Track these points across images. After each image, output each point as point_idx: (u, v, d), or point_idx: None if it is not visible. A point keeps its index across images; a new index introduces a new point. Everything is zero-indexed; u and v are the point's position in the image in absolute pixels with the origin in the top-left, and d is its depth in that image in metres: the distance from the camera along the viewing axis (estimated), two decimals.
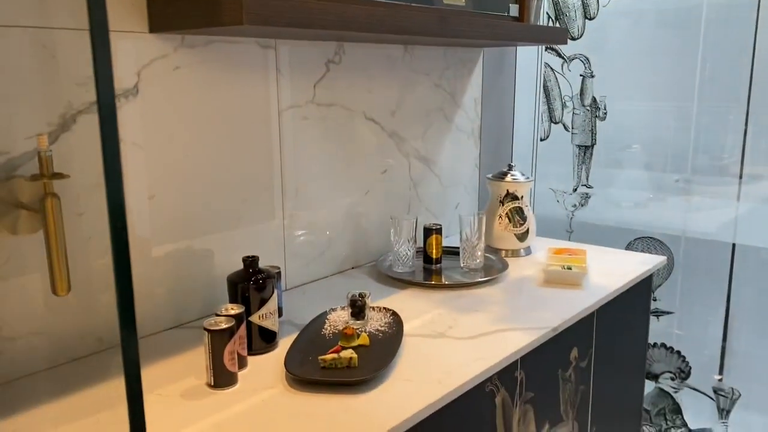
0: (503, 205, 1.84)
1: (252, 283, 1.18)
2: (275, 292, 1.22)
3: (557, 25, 2.20)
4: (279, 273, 1.33)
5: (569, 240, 2.27)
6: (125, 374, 0.58)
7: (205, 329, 1.05)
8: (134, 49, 1.19)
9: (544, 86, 2.26)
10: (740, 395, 2.02)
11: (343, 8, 1.17)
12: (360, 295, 1.30)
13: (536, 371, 1.35)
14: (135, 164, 1.22)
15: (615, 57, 2.11)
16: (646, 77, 2.06)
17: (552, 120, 2.27)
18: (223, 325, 1.05)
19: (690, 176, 2.02)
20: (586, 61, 2.16)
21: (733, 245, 1.97)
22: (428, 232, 1.71)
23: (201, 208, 1.35)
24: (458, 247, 1.72)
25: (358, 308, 1.29)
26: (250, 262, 1.20)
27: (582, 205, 2.26)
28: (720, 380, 2.04)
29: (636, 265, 1.74)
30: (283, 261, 1.55)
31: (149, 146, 1.24)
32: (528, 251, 1.87)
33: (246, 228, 1.45)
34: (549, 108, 2.26)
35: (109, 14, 1.14)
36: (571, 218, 2.29)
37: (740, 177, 1.93)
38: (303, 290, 1.56)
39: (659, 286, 2.12)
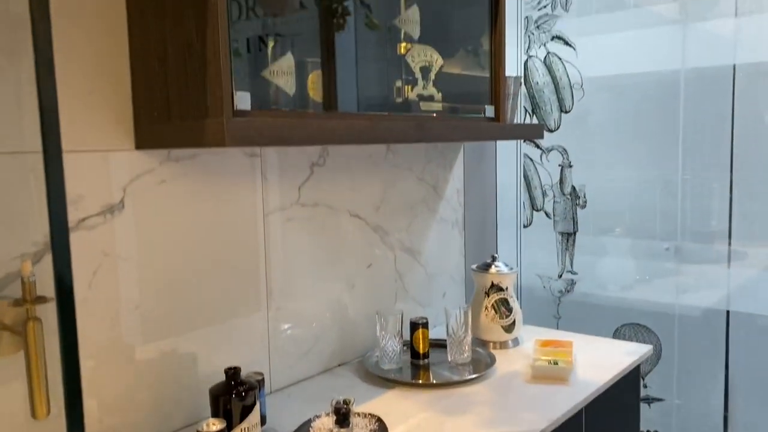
0: (489, 296, 1.85)
1: (234, 396, 1.17)
2: (258, 402, 1.21)
3: (534, 117, 2.28)
4: (262, 380, 1.33)
5: (557, 326, 2.27)
6: None
7: None
8: (121, 165, 1.23)
9: (524, 176, 2.32)
10: None
11: (323, 123, 1.22)
12: (344, 401, 1.29)
13: None
14: (119, 276, 1.24)
15: (596, 133, 2.18)
16: (630, 149, 2.12)
17: (534, 208, 2.32)
18: None
19: (680, 243, 2.05)
20: (564, 152, 2.23)
21: (728, 312, 1.98)
22: (415, 326, 1.71)
23: (186, 311, 1.36)
24: (446, 340, 1.72)
25: (342, 416, 1.27)
26: (232, 374, 1.20)
27: (568, 291, 2.28)
28: None
29: (623, 355, 1.74)
30: (268, 361, 1.55)
31: (135, 258, 1.26)
32: (516, 342, 1.87)
33: (231, 327, 1.45)
34: (530, 196, 2.32)
35: (97, 135, 1.19)
36: (558, 304, 2.30)
37: (729, 243, 1.96)
38: (288, 393, 1.55)
39: (649, 372, 2.11)
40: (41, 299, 1.01)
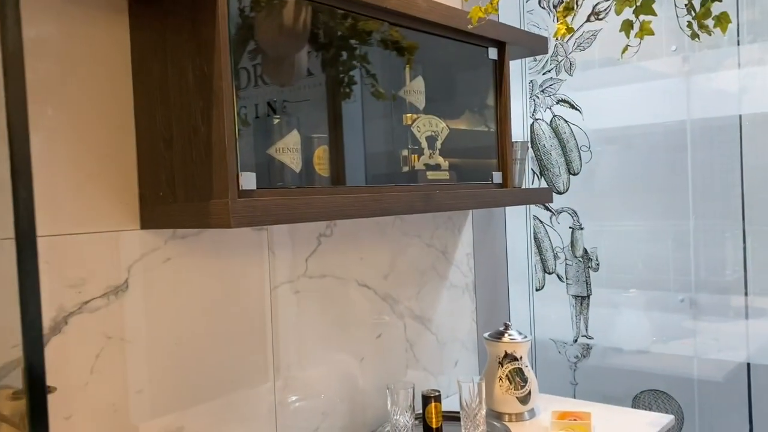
0: (502, 366, 1.80)
1: None
2: None
3: (542, 180, 2.27)
4: None
5: (574, 394, 2.20)
6: None
7: None
8: (125, 245, 1.22)
9: (534, 238, 2.30)
10: None
11: (329, 200, 1.21)
12: None
13: None
14: (123, 360, 1.21)
15: (606, 183, 2.16)
16: (640, 200, 2.10)
17: (546, 270, 2.28)
18: None
19: (694, 295, 2.00)
20: (574, 214, 2.21)
21: (748, 365, 1.92)
22: (427, 399, 1.66)
23: (190, 389, 1.32)
24: (459, 413, 1.66)
25: None
26: None
27: (584, 356, 2.21)
28: None
29: (645, 426, 1.67)
30: None
31: (140, 340, 1.24)
32: (532, 414, 1.80)
33: (237, 403, 1.41)
34: (542, 259, 2.29)
35: (101, 216, 1.18)
36: (575, 370, 2.24)
37: (746, 294, 1.91)
38: None
39: None
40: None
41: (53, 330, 1.11)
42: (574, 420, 1.64)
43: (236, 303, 1.41)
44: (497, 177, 1.72)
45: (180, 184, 1.15)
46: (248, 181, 1.10)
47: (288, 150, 1.21)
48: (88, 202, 1.16)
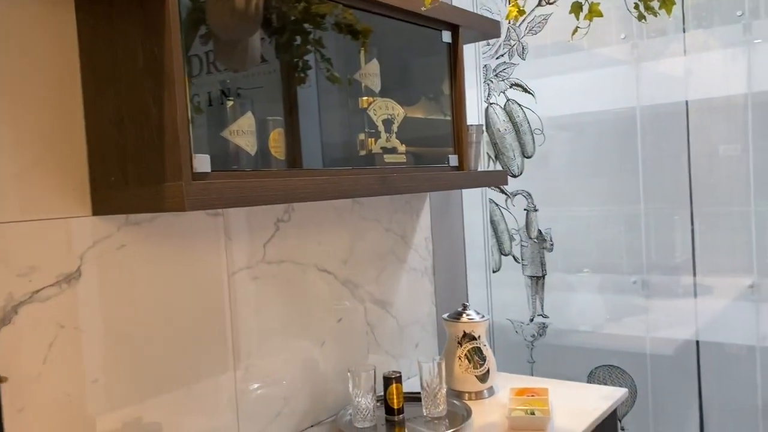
0: (461, 346, 1.82)
1: None
2: None
3: (497, 164, 2.31)
4: None
5: (532, 372, 2.25)
6: None
7: None
8: (77, 232, 1.19)
9: (491, 221, 2.33)
10: None
11: (286, 183, 1.20)
12: None
13: None
14: (77, 349, 1.18)
15: (559, 171, 2.21)
16: (592, 185, 2.15)
17: (502, 252, 2.32)
18: None
19: (646, 277, 2.07)
20: (528, 196, 2.25)
21: (697, 343, 1.99)
22: (388, 381, 1.67)
23: (150, 378, 1.30)
24: (420, 393, 1.68)
25: None
26: None
27: (540, 335, 2.27)
28: None
29: (599, 400, 1.72)
30: (237, 425, 1.49)
31: (92, 329, 1.21)
32: (491, 392, 1.84)
33: (198, 391, 1.40)
34: (498, 241, 2.32)
35: (50, 202, 1.15)
36: (532, 348, 2.29)
37: (694, 274, 1.98)
38: None
39: (626, 414, 2.10)
40: None
41: (2, 320, 1.08)
42: (532, 396, 1.68)
43: (193, 290, 1.40)
44: (453, 160, 1.74)
45: (132, 168, 1.12)
46: (202, 163, 1.08)
47: (242, 133, 1.20)
48: (35, 188, 1.13)
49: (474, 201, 2.36)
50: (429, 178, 1.60)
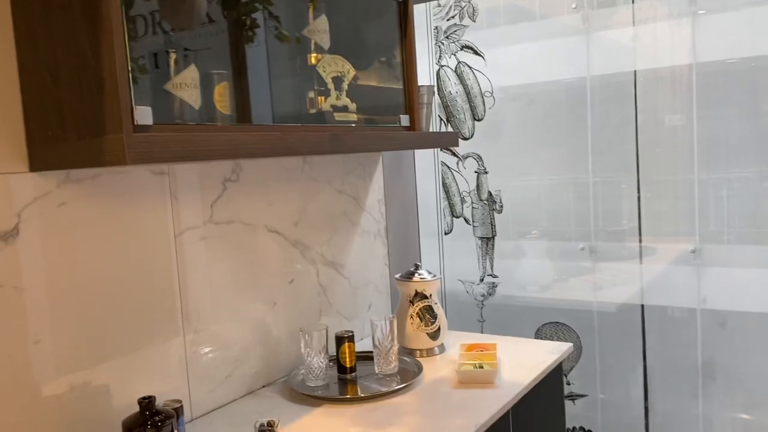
0: (413, 305, 1.85)
1: (149, 426, 1.11)
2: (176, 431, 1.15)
3: (449, 126, 2.32)
4: (180, 407, 1.26)
5: (482, 330, 2.30)
6: None
7: None
8: (13, 189, 1.14)
9: (442, 183, 2.35)
10: None
11: (232, 137, 1.18)
12: (268, 423, 1.25)
13: None
14: (17, 309, 1.15)
15: (510, 139, 2.23)
16: (542, 155, 2.19)
17: (453, 214, 2.35)
18: None
19: (594, 243, 2.12)
20: (479, 159, 2.28)
21: (642, 307, 2.06)
22: (340, 340, 1.69)
23: (95, 341, 1.28)
24: (372, 351, 1.70)
25: None
26: (146, 403, 1.13)
27: (490, 294, 2.31)
28: None
29: (545, 354, 1.78)
30: (188, 387, 1.48)
31: (33, 288, 1.17)
32: (442, 348, 1.87)
33: (146, 355, 1.38)
34: (449, 203, 2.35)
35: None
36: (482, 308, 2.33)
37: (640, 241, 2.05)
38: (210, 419, 1.49)
39: (572, 369, 2.17)
40: None
41: None
42: (481, 351, 1.73)
43: (140, 251, 1.37)
44: (405, 120, 1.73)
45: (70, 122, 1.08)
46: (144, 115, 1.05)
47: (186, 86, 1.16)
48: None
49: (426, 164, 2.37)
50: (381, 137, 1.60)
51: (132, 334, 1.35)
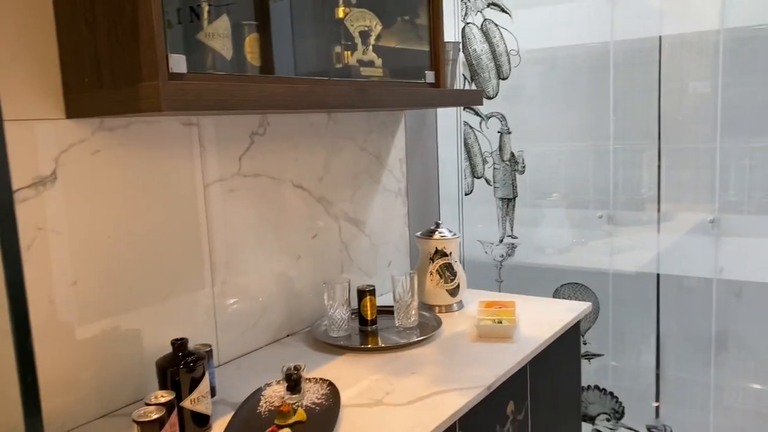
0: (433, 262, 1.88)
1: (182, 366, 1.15)
2: (206, 373, 1.20)
3: (473, 85, 2.31)
4: (210, 351, 1.31)
5: (499, 290, 2.33)
6: None
7: (135, 421, 1.02)
8: (51, 135, 1.17)
9: (464, 143, 2.35)
10: (672, 431, 2.10)
11: (263, 88, 1.20)
12: (295, 368, 1.29)
13: (475, 430, 1.37)
14: (55, 251, 1.19)
15: (532, 104, 2.23)
16: (564, 120, 2.18)
17: (474, 175, 2.36)
18: (153, 416, 1.02)
19: (612, 212, 2.13)
20: (503, 118, 2.27)
21: (658, 276, 2.08)
22: (362, 294, 1.73)
23: (127, 287, 1.32)
24: (393, 306, 1.74)
25: (293, 382, 1.28)
26: (179, 344, 1.18)
27: (509, 255, 2.33)
28: (657, 407, 2.11)
29: (563, 313, 1.80)
30: (215, 334, 1.53)
31: (70, 232, 1.22)
32: (460, 305, 1.91)
33: (176, 303, 1.42)
34: (471, 164, 2.35)
35: (24, 103, 1.13)
36: (500, 268, 2.36)
37: (658, 210, 2.05)
38: (237, 364, 1.54)
39: (588, 329, 2.20)
40: None
41: None
42: (500, 308, 1.75)
43: (169, 200, 1.40)
44: (430, 76, 1.73)
45: (106, 69, 1.10)
46: (178, 63, 1.07)
47: (218, 36, 1.18)
48: (7, 88, 1.11)
49: (448, 123, 2.37)
50: (406, 93, 1.60)
51: (162, 282, 1.39)
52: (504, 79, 2.26)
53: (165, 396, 1.08)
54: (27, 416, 0.55)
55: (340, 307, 1.66)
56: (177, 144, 1.41)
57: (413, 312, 1.72)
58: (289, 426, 1.14)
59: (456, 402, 1.27)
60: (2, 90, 1.10)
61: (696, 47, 1.94)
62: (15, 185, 1.12)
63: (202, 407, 1.17)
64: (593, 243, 2.21)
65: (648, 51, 2.01)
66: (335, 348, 1.60)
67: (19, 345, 0.52)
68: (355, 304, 1.74)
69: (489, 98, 2.28)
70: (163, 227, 1.39)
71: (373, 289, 1.73)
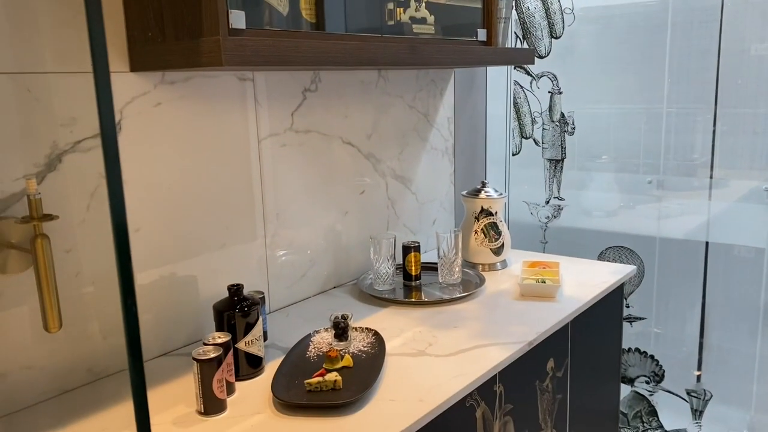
0: (478, 221, 1.90)
1: (237, 310, 1.22)
2: (260, 318, 1.26)
3: (525, 43, 2.27)
4: (263, 298, 1.38)
5: (544, 251, 2.34)
6: (134, 400, 0.61)
7: (194, 359, 1.09)
8: (116, 87, 1.23)
9: (514, 103, 2.33)
10: (712, 396, 2.10)
11: (317, 44, 1.22)
12: (342, 317, 1.34)
13: (514, 384, 1.41)
14: None
15: (584, 64, 2.18)
16: (616, 81, 2.14)
17: (523, 135, 2.34)
18: (211, 354, 1.09)
19: (662, 177, 2.10)
20: (554, 78, 2.24)
21: (707, 243, 2.05)
22: (407, 249, 1.76)
23: (185, 235, 1.39)
24: (437, 263, 1.77)
25: (340, 330, 1.33)
26: (235, 290, 1.24)
27: (555, 217, 2.33)
28: (699, 375, 2.11)
29: (607, 275, 1.81)
30: (267, 283, 1.59)
31: (133, 181, 1.28)
32: (504, 264, 1.93)
33: (230, 253, 1.49)
34: (519, 124, 2.34)
35: (88, 56, 1.18)
36: (545, 230, 2.36)
37: (711, 177, 2.01)
38: (287, 312, 1.61)
39: (631, 293, 2.20)
40: (48, 217, 1.04)
41: (48, 167, 1.15)
42: (544, 268, 1.77)
43: (226, 153, 1.45)
44: (482, 35, 1.72)
45: (169, 23, 1.14)
46: (238, 19, 1.10)
47: None
48: (75, 40, 1.16)
49: (498, 83, 2.35)
50: (457, 51, 1.60)
51: (218, 232, 1.46)
52: (557, 38, 2.21)
53: (222, 337, 1.15)
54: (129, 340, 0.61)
55: (386, 262, 1.71)
56: (233, 98, 1.46)
57: (457, 269, 1.75)
58: (337, 370, 1.20)
59: (497, 356, 1.30)
60: (70, 43, 1.16)
61: (760, 7, 1.86)
62: (80, 135, 1.19)
63: (256, 349, 1.24)
64: (641, 207, 2.18)
65: (709, 10, 1.94)
66: (380, 300, 1.65)
67: (120, 267, 0.58)
68: (399, 260, 1.78)
69: (540, 57, 2.25)
70: (219, 179, 1.45)
71: (418, 245, 1.76)
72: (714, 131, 1.98)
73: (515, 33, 2.28)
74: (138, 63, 1.23)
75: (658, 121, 2.08)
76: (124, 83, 1.24)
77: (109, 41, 1.21)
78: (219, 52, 1.05)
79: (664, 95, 2.05)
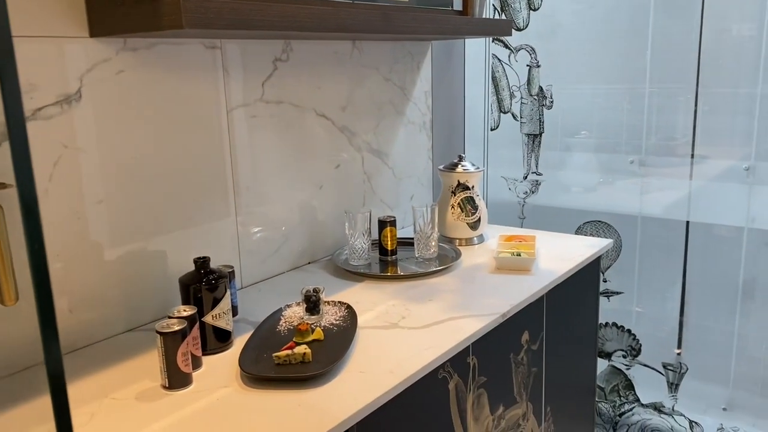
0: (455, 195, 1.87)
1: (204, 283, 1.19)
2: (228, 291, 1.23)
3: (503, 16, 2.24)
4: (232, 272, 1.35)
5: (521, 226, 2.33)
6: (50, 389, 0.58)
7: (157, 332, 1.06)
8: (75, 54, 1.18)
9: (492, 77, 2.30)
10: (688, 369, 2.11)
11: (284, 8, 1.18)
12: (314, 290, 1.32)
13: (488, 356, 1.40)
14: (81, 169, 1.22)
15: (564, 41, 2.16)
16: (597, 60, 2.11)
17: (501, 110, 2.32)
18: (175, 328, 1.06)
19: (644, 157, 2.09)
20: (532, 51, 2.21)
21: (687, 223, 2.05)
22: (383, 224, 1.74)
23: (153, 209, 1.35)
24: (413, 238, 1.75)
25: (312, 303, 1.31)
26: (201, 263, 1.21)
27: (533, 192, 2.32)
28: (679, 354, 2.12)
29: (584, 248, 1.80)
30: (238, 259, 1.56)
31: (95, 150, 1.24)
32: (481, 239, 1.91)
33: (199, 227, 1.46)
34: (498, 98, 2.31)
35: (48, 20, 1.14)
36: (523, 205, 2.35)
37: (692, 156, 2.01)
38: (258, 288, 1.58)
39: (608, 267, 2.20)
40: (1, 185, 1.00)
41: (4, 135, 1.10)
42: (520, 242, 1.76)
43: (193, 123, 1.41)
44: (458, 3, 1.69)
45: None
46: None
47: None
48: (33, 3, 1.11)
49: (476, 57, 2.31)
50: (431, 20, 1.56)
51: (187, 205, 1.42)
52: (535, 9, 2.18)
53: (187, 311, 1.12)
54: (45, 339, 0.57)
55: (361, 237, 1.68)
56: (200, 67, 1.41)
57: (433, 243, 1.73)
58: (307, 343, 1.18)
59: (470, 327, 1.29)
60: (27, 6, 1.11)
61: None
62: (40, 102, 1.14)
63: (223, 323, 1.21)
64: (621, 184, 2.17)
65: None
66: (355, 275, 1.63)
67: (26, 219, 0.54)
68: (375, 235, 1.76)
69: (518, 30, 2.22)
70: (188, 150, 1.41)
71: (394, 220, 1.74)
72: (695, 111, 1.97)
73: (493, 5, 2.24)
74: (98, 28, 1.18)
75: (640, 101, 2.06)
76: (84, 49, 1.19)
77: (67, 5, 1.16)
78: (179, 14, 1.01)
79: (646, 75, 2.03)
